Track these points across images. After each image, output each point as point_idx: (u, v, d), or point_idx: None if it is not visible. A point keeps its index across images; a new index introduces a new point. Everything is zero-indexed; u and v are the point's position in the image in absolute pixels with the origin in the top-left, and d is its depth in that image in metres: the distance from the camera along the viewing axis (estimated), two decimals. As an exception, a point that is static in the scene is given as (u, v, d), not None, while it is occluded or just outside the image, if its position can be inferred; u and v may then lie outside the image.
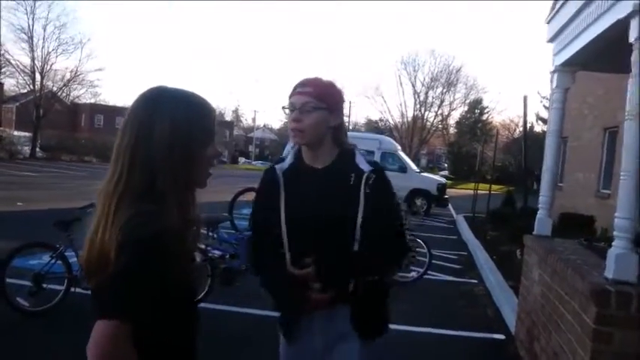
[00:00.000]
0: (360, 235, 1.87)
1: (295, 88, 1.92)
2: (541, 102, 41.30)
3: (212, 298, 5.33)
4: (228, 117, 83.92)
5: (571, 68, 5.02)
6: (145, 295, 1.18)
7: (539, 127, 41.97)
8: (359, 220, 1.86)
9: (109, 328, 1.12)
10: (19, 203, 11.94)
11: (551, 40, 5.21)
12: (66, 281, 4.93)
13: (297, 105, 1.89)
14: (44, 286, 4.84)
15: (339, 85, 2.03)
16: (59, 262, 4.91)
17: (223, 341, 4.49)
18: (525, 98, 7.72)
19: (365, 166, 1.92)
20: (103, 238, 1.23)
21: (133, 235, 1.19)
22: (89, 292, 4.38)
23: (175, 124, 1.28)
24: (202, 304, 5.26)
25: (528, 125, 40.99)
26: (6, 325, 4.51)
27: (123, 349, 1.14)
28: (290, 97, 1.93)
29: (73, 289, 4.92)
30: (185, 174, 1.31)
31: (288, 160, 1.99)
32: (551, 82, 5.30)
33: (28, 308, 4.72)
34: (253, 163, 60.55)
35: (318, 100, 1.87)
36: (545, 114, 36.91)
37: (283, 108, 1.95)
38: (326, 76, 1.98)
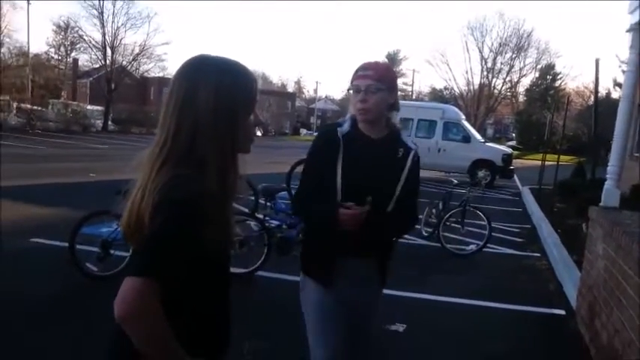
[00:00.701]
0: (396, 198, 2.20)
1: (357, 71, 2.19)
2: (619, 67, 38.77)
3: (268, 266, 5.45)
4: (291, 88, 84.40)
5: (647, 27, 4.68)
6: (176, 255, 1.20)
7: (616, 94, 39.57)
8: (399, 187, 2.20)
9: (137, 284, 1.15)
10: (91, 174, 12.59)
11: (628, -5, 4.86)
12: (131, 248, 5.16)
13: (362, 87, 2.16)
14: (111, 252, 5.08)
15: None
16: (125, 229, 5.14)
17: (279, 309, 4.60)
18: (597, 61, 7.24)
19: (412, 145, 2.28)
20: (141, 202, 1.27)
21: (168, 197, 1.21)
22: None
23: (220, 89, 1.30)
24: (259, 273, 5.40)
25: (604, 91, 38.75)
26: (76, 288, 4.82)
27: (149, 305, 1.16)
28: (353, 80, 2.19)
29: (137, 256, 5.16)
30: (229, 140, 1.32)
31: (346, 127, 2.24)
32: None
33: (97, 273, 4.99)
34: (315, 134, 60.58)
35: (379, 82, 2.15)
36: (622, 79, 34.72)
37: (348, 90, 2.24)
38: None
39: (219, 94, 1.30)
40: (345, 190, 2.17)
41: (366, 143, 2.22)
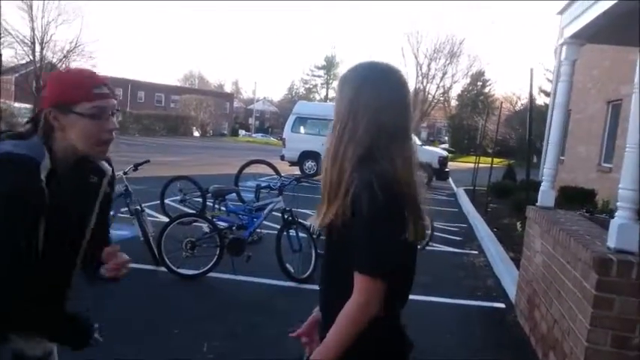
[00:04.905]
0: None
1: (94, 88, 1.54)
2: (544, 74, 41.08)
3: (221, 268, 5.45)
4: (228, 89, 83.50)
5: (580, 41, 5.06)
6: None
7: (540, 100, 41.83)
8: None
9: None
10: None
11: (561, 11, 5.24)
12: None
13: (109, 109, 1.57)
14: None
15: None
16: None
17: (234, 308, 4.63)
18: (532, 71, 7.70)
19: (105, 167, 1.76)
20: None
21: None
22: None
23: None
24: (212, 274, 5.40)
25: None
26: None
27: None
28: (95, 99, 1.53)
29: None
30: None
31: (47, 162, 1.49)
32: (559, 54, 5.34)
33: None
34: (253, 135, 60.44)
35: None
36: (547, 86, 36.71)
37: (92, 116, 1.53)
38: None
39: None
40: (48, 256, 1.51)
41: (67, 175, 1.57)
